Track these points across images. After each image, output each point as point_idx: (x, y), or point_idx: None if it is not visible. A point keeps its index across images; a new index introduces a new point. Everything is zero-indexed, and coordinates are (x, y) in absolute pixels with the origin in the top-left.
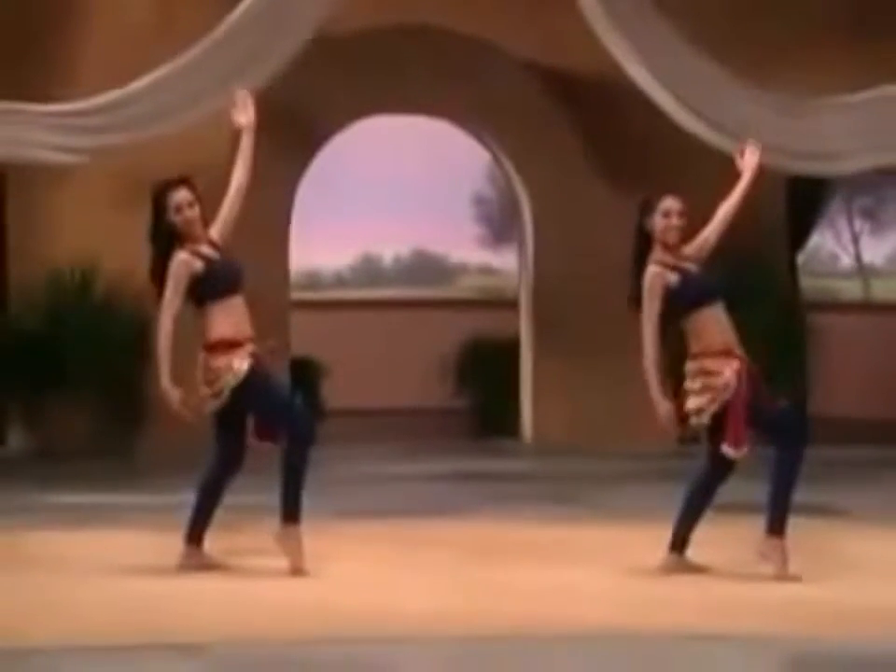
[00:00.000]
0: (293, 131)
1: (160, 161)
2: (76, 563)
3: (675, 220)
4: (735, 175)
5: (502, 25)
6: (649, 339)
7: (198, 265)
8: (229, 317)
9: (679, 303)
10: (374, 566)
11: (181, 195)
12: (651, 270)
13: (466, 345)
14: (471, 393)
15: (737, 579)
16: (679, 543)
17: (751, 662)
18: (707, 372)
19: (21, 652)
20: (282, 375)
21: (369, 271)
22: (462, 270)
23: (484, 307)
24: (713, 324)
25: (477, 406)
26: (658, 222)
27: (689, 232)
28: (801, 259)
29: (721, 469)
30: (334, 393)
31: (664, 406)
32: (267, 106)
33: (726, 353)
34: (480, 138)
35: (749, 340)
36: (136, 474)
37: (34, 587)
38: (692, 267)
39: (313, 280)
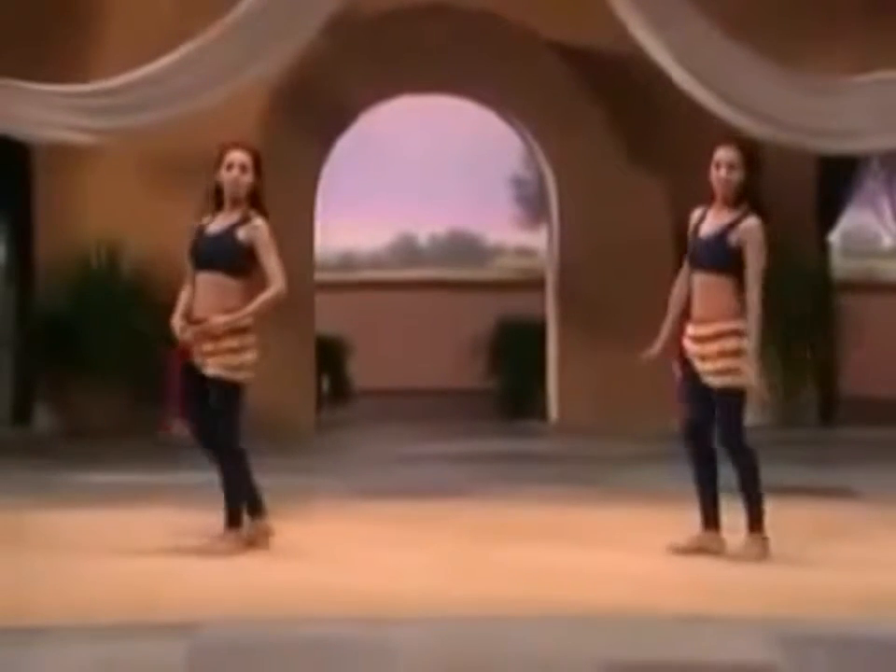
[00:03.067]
0: (317, 113)
1: (186, 143)
2: (87, 542)
3: (722, 172)
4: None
5: (530, 6)
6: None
7: (193, 233)
8: (195, 291)
9: None
10: (380, 546)
11: (236, 154)
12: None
13: (497, 326)
14: (501, 374)
15: (733, 561)
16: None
17: (744, 643)
18: None
19: (17, 631)
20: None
21: (405, 251)
22: (499, 250)
23: (519, 288)
24: (694, 290)
25: (507, 387)
26: (711, 171)
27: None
28: (842, 239)
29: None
30: (365, 373)
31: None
32: (291, 88)
33: (695, 322)
34: (506, 118)
35: (777, 319)
36: (160, 454)
37: (38, 566)
38: (711, 227)
39: (348, 261)
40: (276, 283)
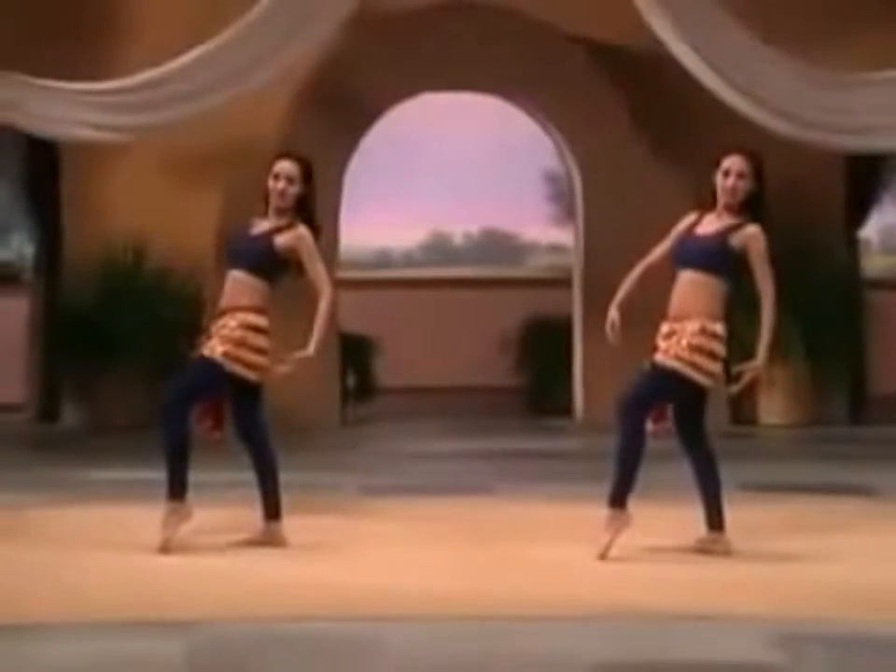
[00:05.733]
0: (341, 110)
1: (210, 140)
2: (94, 539)
3: (731, 180)
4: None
5: (555, 3)
6: (645, 259)
7: (234, 233)
8: (225, 289)
9: None
10: (388, 543)
11: (284, 165)
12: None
13: (526, 324)
14: (529, 372)
15: (726, 559)
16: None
17: (744, 642)
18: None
19: (17, 628)
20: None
21: (439, 250)
22: (533, 248)
23: (550, 285)
24: (676, 288)
25: (534, 385)
26: (717, 178)
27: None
28: (880, 236)
29: None
30: (394, 371)
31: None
32: (315, 85)
33: (670, 320)
34: (532, 115)
35: (805, 317)
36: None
37: (41, 563)
38: (711, 228)
39: (384, 259)
40: (326, 291)
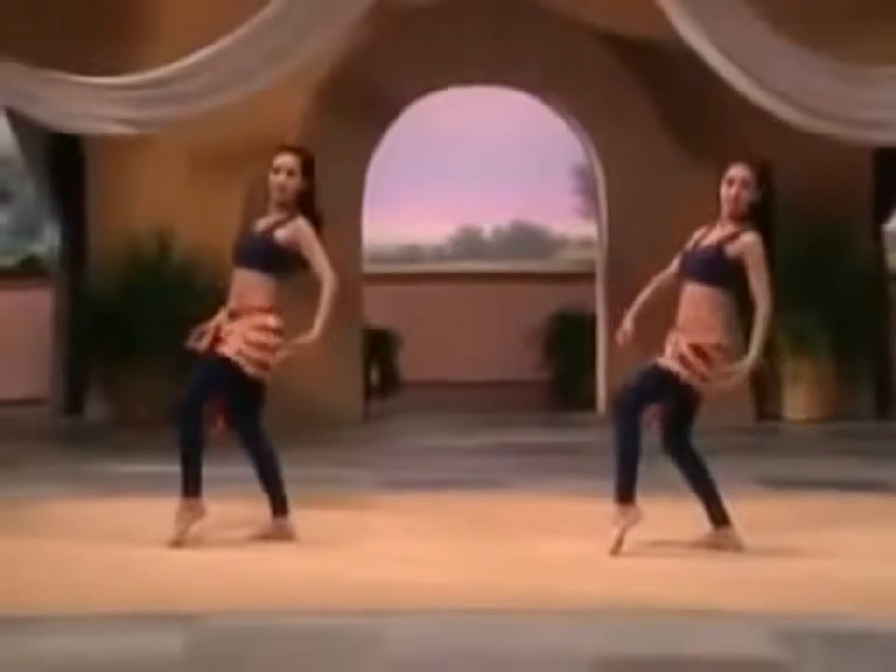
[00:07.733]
0: (363, 104)
1: (234, 134)
2: (102, 533)
3: (734, 189)
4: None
5: None
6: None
7: (242, 233)
8: (234, 288)
9: None
10: (395, 537)
11: (284, 159)
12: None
13: (551, 318)
14: (554, 366)
15: (733, 555)
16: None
17: (746, 637)
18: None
19: (19, 620)
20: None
21: (469, 244)
22: (562, 242)
23: (577, 280)
24: (681, 300)
25: (559, 379)
26: (722, 187)
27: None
28: None
29: None
30: (420, 365)
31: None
32: (337, 79)
33: (675, 329)
34: (555, 109)
35: (830, 311)
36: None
37: (50, 556)
38: (710, 239)
39: (414, 253)
40: (327, 279)
